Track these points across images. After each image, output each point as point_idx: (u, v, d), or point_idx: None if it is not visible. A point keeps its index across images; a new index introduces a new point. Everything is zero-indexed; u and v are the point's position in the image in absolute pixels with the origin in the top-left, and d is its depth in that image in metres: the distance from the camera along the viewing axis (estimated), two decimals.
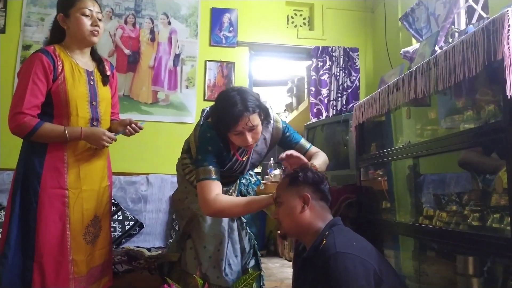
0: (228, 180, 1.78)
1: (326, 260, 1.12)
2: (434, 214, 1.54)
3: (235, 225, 1.73)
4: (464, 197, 1.46)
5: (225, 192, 1.73)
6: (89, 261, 1.69)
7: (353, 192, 2.16)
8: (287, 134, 1.78)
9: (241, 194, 1.85)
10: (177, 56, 3.15)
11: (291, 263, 3.96)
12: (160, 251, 2.25)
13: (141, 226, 2.60)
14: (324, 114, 3.13)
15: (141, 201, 2.72)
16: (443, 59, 1.33)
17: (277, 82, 5.33)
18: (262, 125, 1.59)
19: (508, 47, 1.03)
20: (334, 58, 3.19)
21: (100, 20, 1.75)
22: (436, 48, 1.87)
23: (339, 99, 3.14)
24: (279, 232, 1.41)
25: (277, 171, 4.97)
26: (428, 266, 1.68)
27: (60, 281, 1.59)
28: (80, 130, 1.66)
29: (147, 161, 3.01)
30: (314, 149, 1.80)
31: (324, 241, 1.20)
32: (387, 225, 1.91)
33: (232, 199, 1.58)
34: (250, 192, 1.89)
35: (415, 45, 2.27)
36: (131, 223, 2.56)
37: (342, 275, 1.09)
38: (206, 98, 3.18)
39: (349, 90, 3.16)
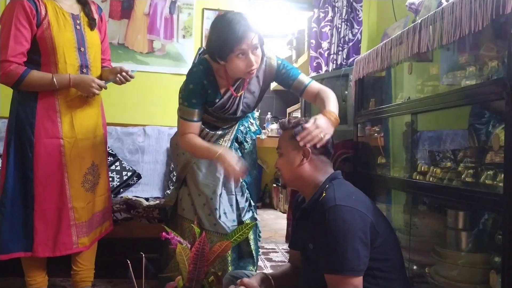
0: (223, 124, 1.74)
1: (324, 212, 1.15)
2: (428, 170, 1.56)
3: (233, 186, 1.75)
4: (459, 154, 1.47)
5: (220, 137, 1.72)
6: (90, 208, 1.72)
7: (349, 148, 2.17)
8: (283, 71, 1.66)
9: (237, 140, 1.80)
10: (173, 3, 3.03)
11: (285, 215, 4.07)
12: (158, 201, 2.30)
13: (139, 176, 2.63)
14: (324, 68, 3.07)
15: (138, 152, 2.73)
16: (449, 12, 1.28)
17: (277, 35, 5.19)
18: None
19: None
20: (336, 9, 3.08)
21: None
22: (443, 0, 1.80)
23: (340, 52, 3.06)
24: (281, 182, 1.42)
25: (274, 126, 4.98)
26: (419, 220, 1.73)
27: (62, 228, 1.63)
28: (69, 77, 1.62)
29: (144, 113, 2.99)
30: (315, 85, 1.64)
31: (324, 194, 1.22)
32: (381, 180, 1.94)
33: (198, 143, 1.61)
34: (248, 140, 1.83)
35: None
36: (129, 174, 2.59)
37: (340, 227, 1.12)
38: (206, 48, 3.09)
39: (350, 44, 3.08)
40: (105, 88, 1.70)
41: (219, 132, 1.72)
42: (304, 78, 1.67)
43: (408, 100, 1.70)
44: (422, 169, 1.59)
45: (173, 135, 1.88)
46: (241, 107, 1.68)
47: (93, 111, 1.76)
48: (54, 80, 1.59)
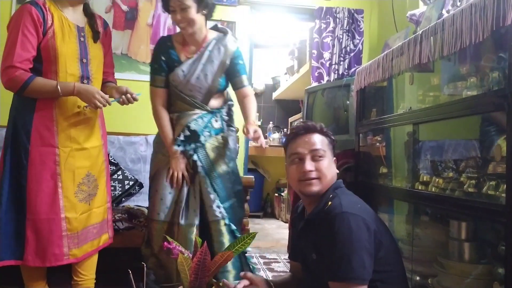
0: (182, 107, 1.85)
1: (332, 219, 1.15)
2: (430, 180, 1.56)
3: (197, 181, 1.82)
4: (461, 164, 1.47)
5: (176, 119, 1.85)
6: (83, 219, 1.69)
7: (351, 157, 2.17)
8: (239, 61, 1.89)
9: (189, 129, 1.81)
10: None
11: (287, 224, 4.06)
12: None
13: (141, 186, 2.63)
14: (325, 78, 3.09)
15: (140, 161, 2.74)
16: (450, 23, 1.29)
17: (278, 45, 5.22)
18: (201, 18, 1.79)
19: None
20: (338, 20, 3.10)
21: None
22: (443, 11, 1.81)
23: (341, 63, 3.08)
24: (313, 189, 1.35)
25: (276, 135, 4.99)
26: (422, 230, 1.72)
27: (53, 239, 1.60)
28: (73, 86, 1.61)
29: (146, 122, 2.97)
30: (249, 90, 1.92)
31: (329, 203, 1.21)
32: (383, 190, 1.94)
33: (163, 122, 1.84)
34: (205, 134, 1.83)
35: (422, 8, 2.20)
36: (131, 183, 2.59)
37: (347, 235, 1.12)
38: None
39: (352, 54, 3.10)
40: (109, 104, 1.69)
41: (176, 114, 1.86)
42: (245, 79, 1.92)
43: (409, 110, 1.71)
44: (424, 179, 1.59)
45: (156, 134, 1.96)
46: (200, 73, 1.83)
47: (91, 121, 1.75)
48: (58, 87, 1.59)
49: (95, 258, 1.80)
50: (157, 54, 1.86)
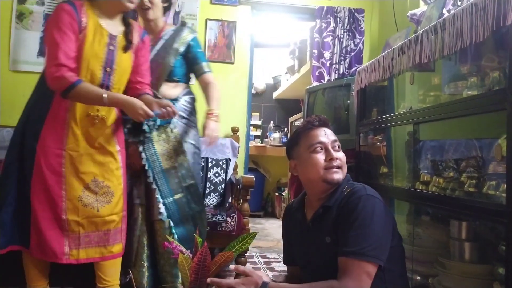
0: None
1: (356, 200, 1.16)
2: (430, 179, 1.56)
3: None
4: (462, 164, 1.47)
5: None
6: (88, 224, 1.65)
7: (351, 157, 2.17)
8: (195, 50, 1.97)
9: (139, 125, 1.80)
10: (176, 14, 3.06)
11: None
12: None
13: None
14: (326, 78, 3.08)
15: None
16: (450, 23, 1.29)
17: (279, 45, 5.22)
18: (161, 6, 1.90)
19: None
20: (338, 19, 3.10)
21: None
22: (444, 11, 1.81)
23: (342, 62, 3.08)
24: (335, 178, 1.34)
25: (277, 134, 4.99)
26: (422, 230, 1.72)
27: (55, 236, 1.60)
28: (119, 98, 1.60)
29: None
30: (210, 77, 1.97)
31: (349, 189, 1.22)
32: (384, 190, 1.93)
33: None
34: (150, 124, 1.78)
35: (423, 7, 2.20)
36: None
37: (369, 214, 1.13)
38: (206, 59, 3.11)
39: (353, 54, 3.10)
40: (151, 117, 1.64)
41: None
42: (206, 65, 2.00)
43: (410, 110, 1.71)
44: (425, 179, 1.59)
45: None
46: (152, 59, 1.87)
47: (105, 128, 1.70)
48: (105, 96, 1.56)
49: (118, 264, 1.77)
50: None
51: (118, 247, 1.73)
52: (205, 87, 1.97)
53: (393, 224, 1.20)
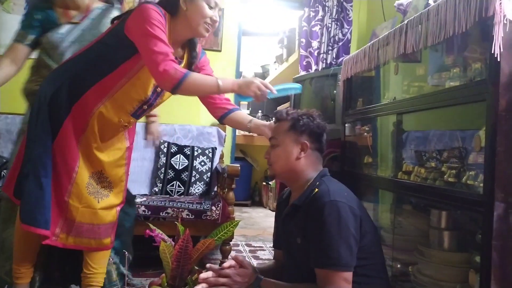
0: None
1: (320, 207, 1.16)
2: (413, 169, 1.58)
3: None
4: (444, 154, 1.49)
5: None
6: (83, 214, 1.61)
7: (337, 147, 2.18)
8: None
9: None
10: None
11: (274, 213, 4.08)
12: (144, 198, 2.28)
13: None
14: (314, 67, 3.08)
15: None
16: (434, 13, 1.29)
17: (268, 33, 5.19)
18: None
19: (500, 4, 1.01)
20: (327, 8, 3.08)
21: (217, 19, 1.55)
22: (430, 1, 1.81)
23: (330, 52, 3.07)
24: (268, 173, 1.41)
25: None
26: (404, 219, 1.75)
27: (56, 217, 1.57)
28: (232, 82, 1.44)
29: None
30: None
31: (316, 190, 1.23)
32: (368, 179, 1.95)
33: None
34: None
35: None
36: None
37: (335, 223, 1.14)
38: None
39: (340, 43, 3.09)
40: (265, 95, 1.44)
41: None
42: None
43: (393, 100, 1.72)
44: (407, 169, 1.61)
45: None
46: (75, 40, 1.73)
47: (120, 129, 1.68)
48: (219, 82, 1.40)
49: (108, 254, 1.75)
50: (32, 11, 1.72)
51: (107, 241, 1.70)
52: None
53: (362, 221, 1.20)
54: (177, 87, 1.38)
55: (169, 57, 1.40)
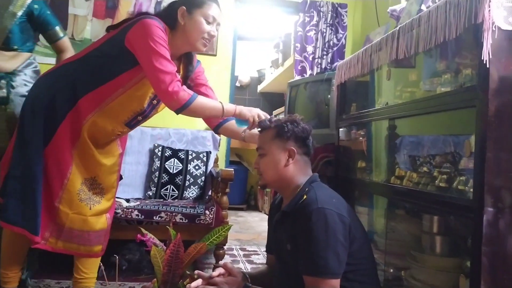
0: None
1: (308, 215, 1.16)
2: (405, 174, 1.58)
3: None
4: (436, 159, 1.49)
5: None
6: (73, 220, 1.60)
7: (331, 151, 2.19)
8: (41, 13, 1.78)
9: None
10: (158, 4, 3.02)
11: None
12: (138, 202, 2.28)
13: (120, 177, 2.60)
14: (308, 72, 3.09)
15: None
16: (426, 20, 1.30)
17: (264, 38, 5.20)
18: None
19: (489, 10, 1.02)
20: (322, 13, 3.10)
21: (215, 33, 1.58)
22: (423, 7, 1.82)
23: (324, 57, 3.09)
24: (259, 182, 1.41)
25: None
26: (397, 224, 1.75)
27: (46, 221, 1.56)
28: (235, 107, 1.53)
29: None
30: (65, 43, 1.83)
31: (305, 197, 1.22)
32: (361, 184, 1.96)
33: None
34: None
35: (404, 3, 2.22)
36: None
37: (322, 230, 1.13)
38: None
39: (335, 48, 3.11)
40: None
41: None
42: (60, 30, 1.85)
43: (386, 106, 1.73)
44: (399, 174, 1.61)
45: None
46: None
47: (113, 144, 1.72)
48: (223, 107, 1.49)
49: (98, 259, 1.73)
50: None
51: (97, 248, 1.69)
52: (61, 56, 1.81)
53: (352, 227, 1.19)
54: (184, 108, 1.43)
55: (177, 77, 1.42)
